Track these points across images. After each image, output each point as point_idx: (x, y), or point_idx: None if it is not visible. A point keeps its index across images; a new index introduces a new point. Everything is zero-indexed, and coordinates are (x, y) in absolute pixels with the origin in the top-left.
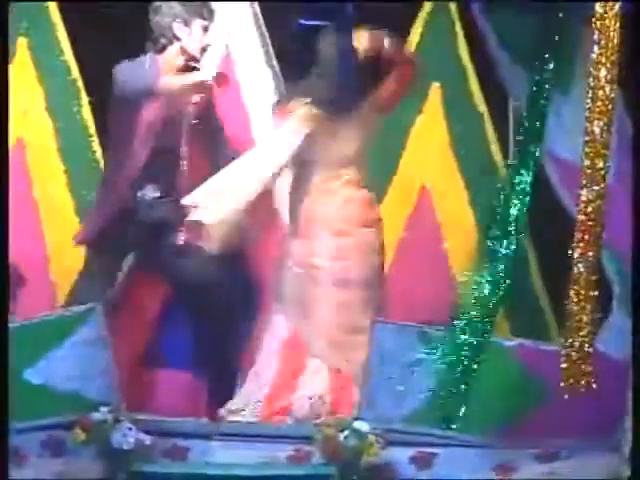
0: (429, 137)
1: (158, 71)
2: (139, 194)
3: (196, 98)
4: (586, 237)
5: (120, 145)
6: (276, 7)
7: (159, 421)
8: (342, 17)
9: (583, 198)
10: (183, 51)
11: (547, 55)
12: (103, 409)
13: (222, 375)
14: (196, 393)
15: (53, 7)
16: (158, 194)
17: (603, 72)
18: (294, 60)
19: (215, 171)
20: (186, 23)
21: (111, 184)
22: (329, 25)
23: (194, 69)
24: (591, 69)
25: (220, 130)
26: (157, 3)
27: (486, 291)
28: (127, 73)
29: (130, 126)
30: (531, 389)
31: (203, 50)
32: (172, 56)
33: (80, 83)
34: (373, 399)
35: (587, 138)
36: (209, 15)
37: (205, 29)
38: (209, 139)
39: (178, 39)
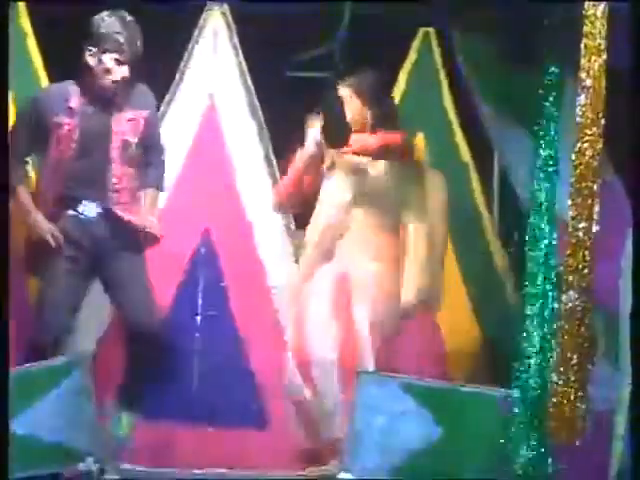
0: None
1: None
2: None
3: (130, 115)
4: (573, 289)
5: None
6: (260, 58)
7: (143, 471)
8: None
9: (569, 251)
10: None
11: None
12: (89, 459)
13: None
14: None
15: (38, 61)
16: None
17: (589, 122)
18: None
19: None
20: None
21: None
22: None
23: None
24: (577, 118)
25: (158, 149)
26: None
27: None
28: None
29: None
30: (515, 439)
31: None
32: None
33: None
34: (358, 450)
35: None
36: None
37: (117, 62)
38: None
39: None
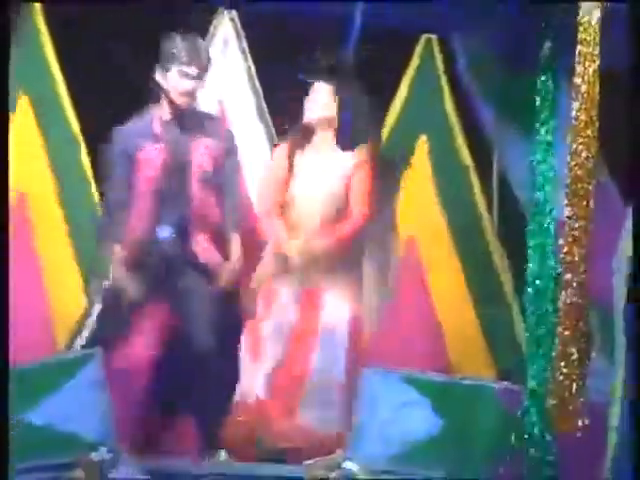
0: (416, 189)
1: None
2: (154, 233)
3: (207, 143)
4: (571, 286)
5: (122, 192)
6: (269, 63)
7: (156, 461)
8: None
9: (566, 249)
10: (167, 99)
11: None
12: (102, 449)
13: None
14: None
15: (54, 64)
16: (171, 234)
17: (583, 125)
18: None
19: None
20: (165, 69)
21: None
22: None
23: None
24: (573, 121)
25: (234, 178)
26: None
27: None
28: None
29: (130, 172)
30: (515, 431)
31: (186, 95)
32: (163, 106)
33: (80, 138)
34: (361, 440)
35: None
36: (189, 59)
37: (184, 74)
38: (221, 186)
39: (160, 87)
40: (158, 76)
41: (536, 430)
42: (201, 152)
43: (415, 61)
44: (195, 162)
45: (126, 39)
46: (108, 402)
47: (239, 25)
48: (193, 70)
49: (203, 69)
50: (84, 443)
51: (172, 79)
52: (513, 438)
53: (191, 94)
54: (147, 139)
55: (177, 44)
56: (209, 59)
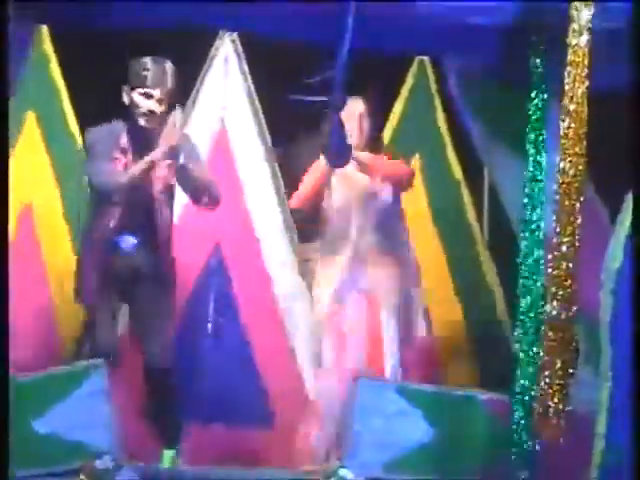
0: (409, 203)
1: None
2: (117, 242)
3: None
4: (557, 299)
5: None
6: (268, 83)
7: (157, 468)
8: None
9: (553, 263)
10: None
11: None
12: (105, 457)
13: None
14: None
15: (60, 82)
16: (134, 242)
17: (572, 142)
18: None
19: None
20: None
21: (91, 240)
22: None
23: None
24: (561, 140)
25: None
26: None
27: None
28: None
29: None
30: (501, 439)
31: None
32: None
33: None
34: (356, 448)
35: (557, 208)
36: (154, 83)
37: (148, 96)
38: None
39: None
40: (124, 95)
41: (522, 437)
42: (163, 167)
43: (409, 81)
44: (157, 179)
45: (124, 61)
46: (112, 412)
47: (239, 46)
48: (157, 93)
49: (166, 94)
50: (88, 451)
51: (135, 99)
52: (500, 445)
53: (154, 115)
54: (115, 148)
55: (146, 66)
56: (173, 84)
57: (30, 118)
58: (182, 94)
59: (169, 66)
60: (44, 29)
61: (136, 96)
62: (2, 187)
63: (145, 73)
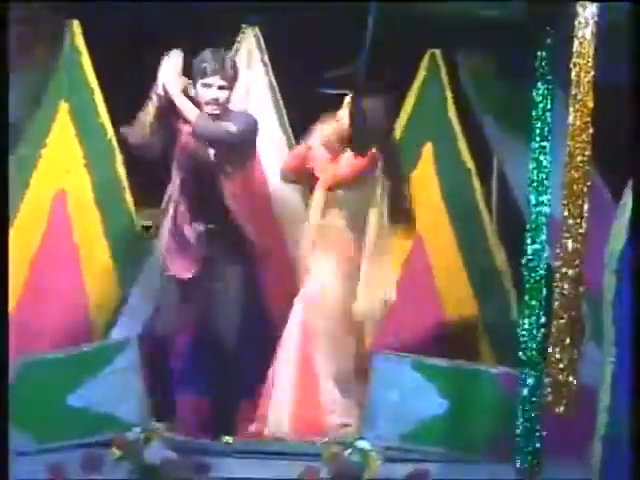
0: (422, 191)
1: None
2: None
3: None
4: (566, 279)
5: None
6: (289, 75)
7: (185, 440)
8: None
9: (562, 245)
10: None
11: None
12: (135, 429)
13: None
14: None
15: (91, 75)
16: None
17: (578, 131)
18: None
19: None
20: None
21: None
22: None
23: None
24: (569, 127)
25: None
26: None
27: None
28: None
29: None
30: (513, 412)
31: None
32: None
33: (115, 142)
34: (373, 421)
35: (565, 193)
36: (213, 71)
37: (208, 85)
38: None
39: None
40: (190, 90)
41: (530, 410)
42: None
43: (421, 74)
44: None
45: (157, 52)
46: (142, 385)
47: (262, 40)
48: (217, 80)
49: (228, 80)
50: (119, 424)
51: (199, 91)
52: (510, 417)
53: (217, 103)
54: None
55: (204, 58)
56: (235, 71)
57: (63, 109)
58: None
59: (228, 55)
60: (75, 23)
61: (199, 88)
62: (2, 186)
63: (204, 65)
